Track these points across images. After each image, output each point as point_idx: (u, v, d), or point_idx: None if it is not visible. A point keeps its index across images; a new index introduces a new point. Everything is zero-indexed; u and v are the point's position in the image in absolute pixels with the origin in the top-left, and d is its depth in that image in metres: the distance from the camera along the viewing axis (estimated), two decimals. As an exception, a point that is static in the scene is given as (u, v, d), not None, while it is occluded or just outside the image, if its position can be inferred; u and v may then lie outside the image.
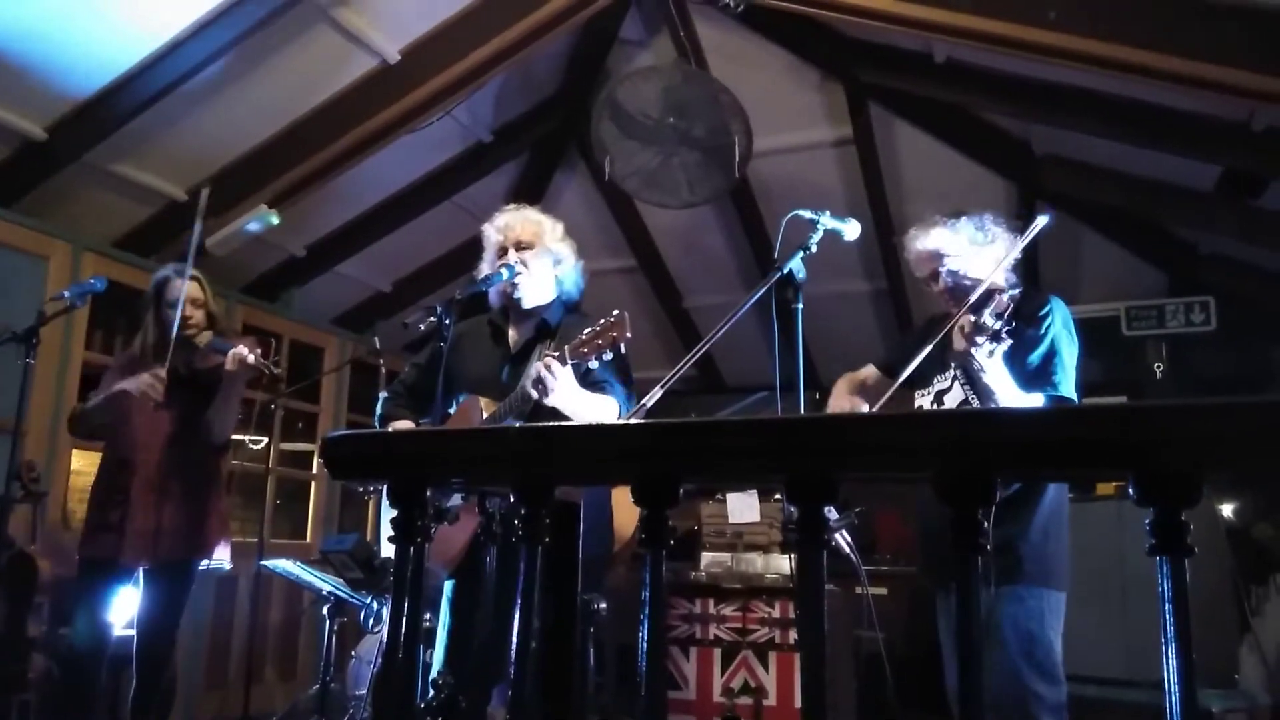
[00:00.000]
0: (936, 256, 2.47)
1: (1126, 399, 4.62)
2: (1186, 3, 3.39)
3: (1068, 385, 2.33)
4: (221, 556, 3.17)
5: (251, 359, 2.94)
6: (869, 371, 2.76)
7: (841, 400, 2.70)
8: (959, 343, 2.28)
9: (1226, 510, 4.34)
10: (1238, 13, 3.31)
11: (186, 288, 3.15)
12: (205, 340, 3.10)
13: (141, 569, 3.00)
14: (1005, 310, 2.21)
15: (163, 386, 2.98)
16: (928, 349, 2.34)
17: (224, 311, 3.77)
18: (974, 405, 2.40)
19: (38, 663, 3.46)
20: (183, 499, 3.04)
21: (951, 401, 2.46)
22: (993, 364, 2.20)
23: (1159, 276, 5.39)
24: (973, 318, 2.19)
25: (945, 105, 4.79)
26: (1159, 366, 5.06)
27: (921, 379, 2.54)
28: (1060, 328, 2.37)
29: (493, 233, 2.76)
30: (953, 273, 2.44)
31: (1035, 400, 2.28)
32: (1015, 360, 2.31)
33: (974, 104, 4.77)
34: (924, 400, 2.55)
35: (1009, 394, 2.25)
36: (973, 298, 2.30)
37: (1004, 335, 2.14)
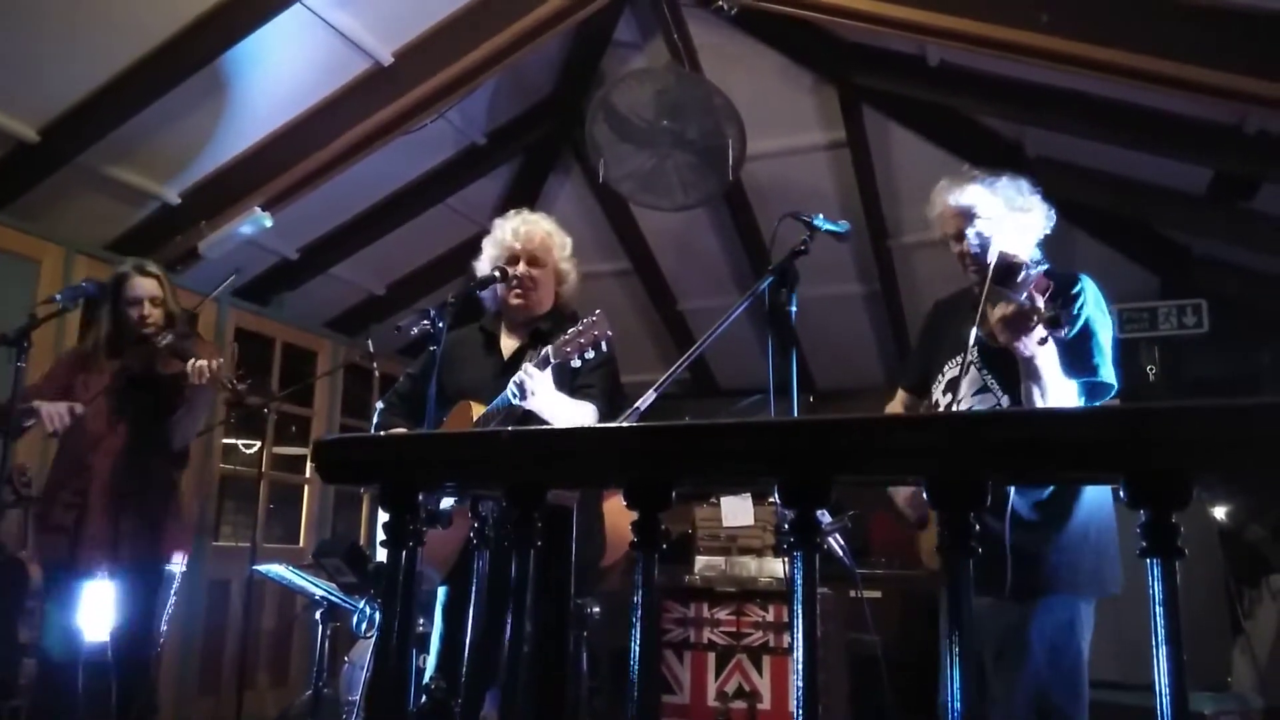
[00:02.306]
0: (966, 214, 2.29)
1: (1119, 401, 4.62)
2: (1179, 6, 3.40)
3: (1107, 369, 2.19)
4: (178, 560, 3.19)
5: (211, 374, 2.88)
6: (899, 398, 2.60)
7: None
8: (1001, 334, 2.07)
9: (1219, 512, 4.34)
10: (1230, 16, 3.33)
11: (147, 285, 3.12)
12: (167, 342, 3.05)
13: (105, 573, 2.97)
14: (1047, 290, 2.05)
15: (70, 419, 2.93)
16: (974, 332, 2.13)
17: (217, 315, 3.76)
18: (994, 392, 2.24)
19: (29, 669, 3.44)
20: (142, 503, 3.03)
21: (966, 388, 2.26)
22: (1045, 352, 2.04)
23: (1151, 279, 5.40)
24: (1024, 302, 2.03)
25: (938, 108, 4.80)
26: (1152, 369, 5.07)
27: (934, 366, 2.40)
28: (1094, 307, 2.22)
29: (506, 235, 2.72)
30: (981, 235, 2.27)
31: (1072, 388, 2.13)
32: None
33: (967, 107, 4.78)
34: (935, 392, 2.38)
35: (1057, 384, 2.09)
36: (991, 263, 2.19)
37: (1062, 320, 1.98)
